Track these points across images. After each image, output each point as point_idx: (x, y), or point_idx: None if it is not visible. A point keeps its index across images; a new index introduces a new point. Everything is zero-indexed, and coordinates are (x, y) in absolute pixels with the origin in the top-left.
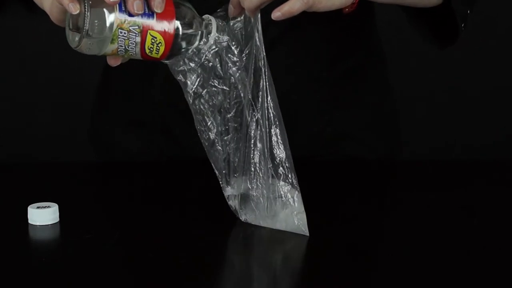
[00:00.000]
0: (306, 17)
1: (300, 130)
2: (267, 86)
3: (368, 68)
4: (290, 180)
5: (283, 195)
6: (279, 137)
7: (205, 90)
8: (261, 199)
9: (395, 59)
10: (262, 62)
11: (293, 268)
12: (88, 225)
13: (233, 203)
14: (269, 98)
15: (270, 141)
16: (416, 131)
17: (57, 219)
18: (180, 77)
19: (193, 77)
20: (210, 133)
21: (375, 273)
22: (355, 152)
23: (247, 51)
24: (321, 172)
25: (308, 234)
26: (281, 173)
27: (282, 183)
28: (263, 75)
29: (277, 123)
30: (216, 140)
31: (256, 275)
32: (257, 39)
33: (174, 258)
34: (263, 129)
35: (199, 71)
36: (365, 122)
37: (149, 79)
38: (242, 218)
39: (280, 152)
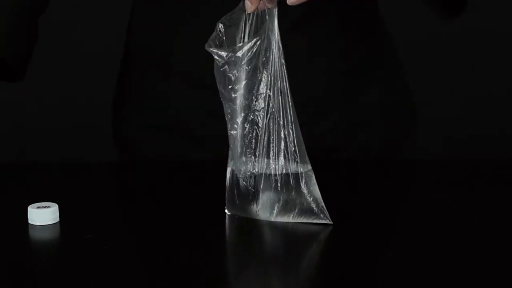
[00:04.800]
0: (313, 12)
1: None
2: (286, 81)
3: (371, 67)
4: (306, 168)
5: (301, 183)
6: (294, 135)
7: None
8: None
9: (396, 59)
10: (281, 59)
11: (295, 269)
12: (88, 225)
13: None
14: (286, 94)
15: (288, 136)
16: (417, 129)
17: (57, 219)
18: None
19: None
20: (237, 120)
21: (375, 273)
22: (358, 148)
23: (265, 46)
24: (323, 171)
25: (331, 222)
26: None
27: (298, 169)
28: (283, 72)
29: (293, 119)
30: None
31: (259, 274)
32: (276, 35)
33: (175, 258)
34: (280, 124)
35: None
36: (368, 119)
37: (166, 78)
38: (252, 212)
39: (295, 147)
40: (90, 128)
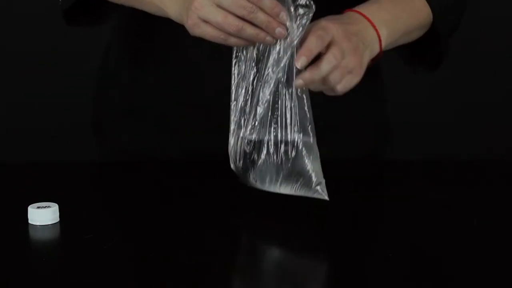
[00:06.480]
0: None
1: None
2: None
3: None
4: (308, 140)
5: (303, 151)
6: (297, 106)
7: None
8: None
9: (388, 62)
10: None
11: (291, 272)
12: (88, 225)
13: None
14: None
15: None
16: (413, 129)
17: (57, 219)
18: None
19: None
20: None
21: (374, 273)
22: (345, 148)
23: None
24: None
25: (327, 198)
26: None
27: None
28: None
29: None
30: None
31: (259, 273)
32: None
33: (175, 258)
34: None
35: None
36: (356, 119)
37: (149, 71)
38: (250, 179)
39: (297, 118)
40: (90, 128)
